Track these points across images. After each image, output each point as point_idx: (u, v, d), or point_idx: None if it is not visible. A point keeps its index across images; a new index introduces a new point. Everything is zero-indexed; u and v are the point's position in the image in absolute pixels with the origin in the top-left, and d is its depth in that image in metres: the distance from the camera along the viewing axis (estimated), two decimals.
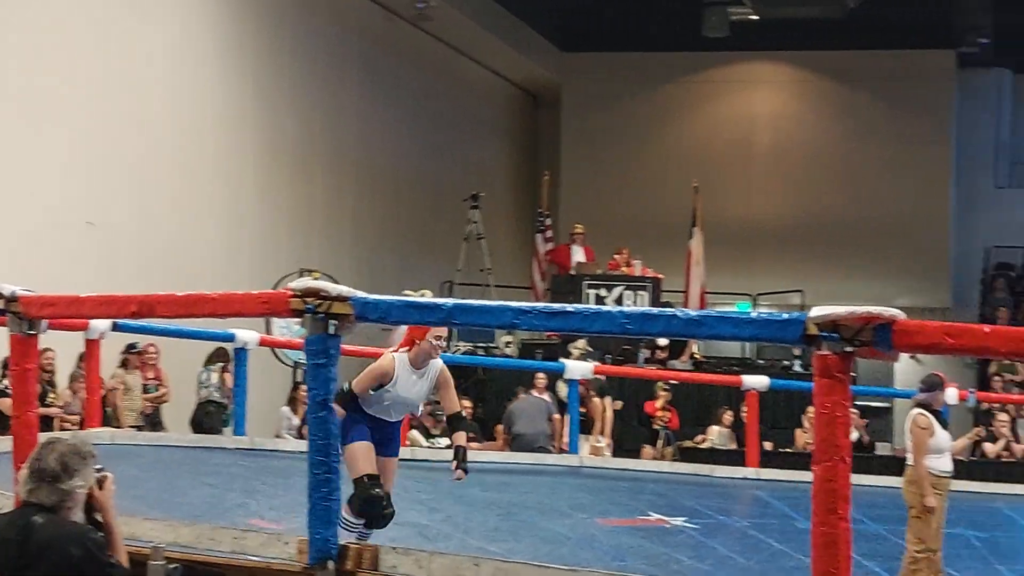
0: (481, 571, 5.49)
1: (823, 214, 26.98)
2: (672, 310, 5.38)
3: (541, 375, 16.97)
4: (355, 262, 21.64)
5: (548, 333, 19.30)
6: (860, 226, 26.71)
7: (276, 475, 11.68)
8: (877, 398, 19.01)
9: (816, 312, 4.79)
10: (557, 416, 16.32)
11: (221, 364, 15.82)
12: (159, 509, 8.38)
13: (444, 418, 10.85)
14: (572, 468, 14.25)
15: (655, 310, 5.51)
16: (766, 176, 27.56)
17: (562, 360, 15.81)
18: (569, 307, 5.44)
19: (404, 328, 7.97)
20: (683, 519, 11.25)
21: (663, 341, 19.58)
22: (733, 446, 17.60)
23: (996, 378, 21.44)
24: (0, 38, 15.27)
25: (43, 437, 5.28)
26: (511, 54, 26.67)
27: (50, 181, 15.84)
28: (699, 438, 18.29)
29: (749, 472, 14.68)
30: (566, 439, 15.47)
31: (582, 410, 16.05)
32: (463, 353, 20.38)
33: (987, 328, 4.81)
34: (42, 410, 12.27)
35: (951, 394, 14.27)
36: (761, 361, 20.89)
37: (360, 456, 7.95)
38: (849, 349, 4.76)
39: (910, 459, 9.65)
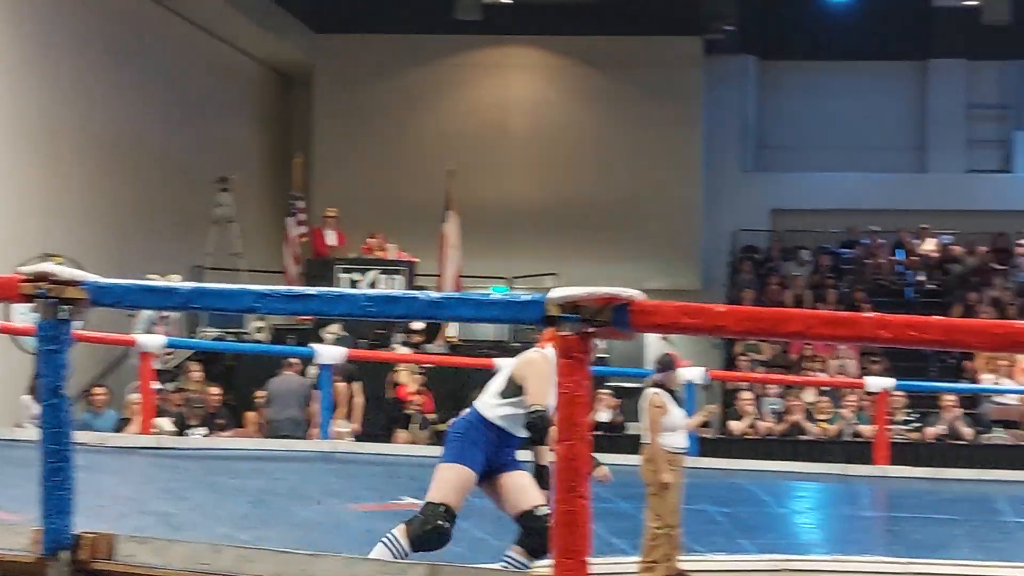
0: (221, 558, 5.38)
1: (577, 198, 27.32)
2: (414, 292, 5.36)
3: (295, 360, 16.82)
4: (104, 246, 21.08)
5: (300, 318, 19.13)
6: (613, 210, 27.13)
7: (16, 465, 11.29)
8: (629, 379, 19.35)
9: (556, 293, 4.81)
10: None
11: None
12: None
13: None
14: (325, 454, 14.16)
15: (398, 292, 5.49)
16: (521, 160, 27.78)
17: (312, 345, 15.67)
18: (311, 290, 5.37)
19: None
20: None
21: (418, 325, 19.59)
22: None
23: (741, 357, 22.06)
24: None
25: None
26: (261, 34, 26.30)
27: None
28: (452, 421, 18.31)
29: None
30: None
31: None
32: (212, 339, 20.08)
33: (721, 308, 4.90)
34: None
35: (691, 372, 14.65)
36: (516, 344, 21.07)
37: (457, 484, 7.34)
38: (589, 329, 4.79)
39: (646, 437, 9.89)
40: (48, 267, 5.54)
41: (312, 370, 16.32)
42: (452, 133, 27.69)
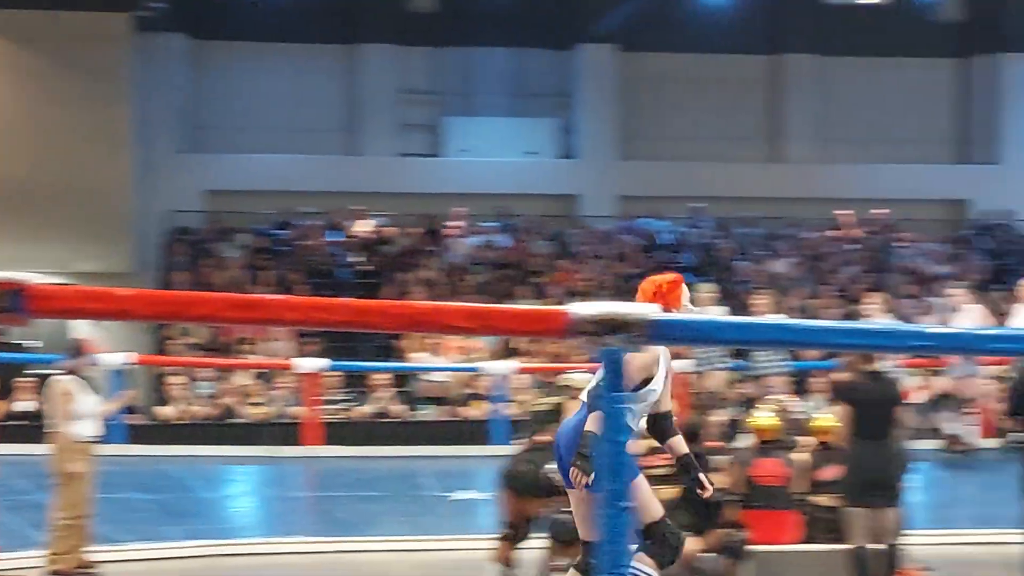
0: None
1: (7, 179, 26.09)
2: None
3: None
4: None
5: None
6: (42, 191, 26.08)
7: None
8: (52, 366, 18.62)
9: None
10: None
11: None
12: None
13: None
14: None
15: None
16: None
17: None
18: None
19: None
20: None
21: None
22: None
23: (174, 341, 21.72)
24: None
25: None
26: None
27: None
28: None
29: None
30: None
31: None
32: None
33: (126, 292, 4.72)
34: None
35: (112, 358, 14.28)
36: None
37: (649, 494, 6.49)
38: None
39: (53, 426, 9.58)
40: None
41: None
42: None
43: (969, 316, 16.87)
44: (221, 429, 18.41)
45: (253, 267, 25.34)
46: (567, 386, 10.11)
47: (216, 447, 16.13)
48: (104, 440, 9.97)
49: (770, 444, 11.56)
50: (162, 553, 9.90)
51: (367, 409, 19.78)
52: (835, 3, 30.30)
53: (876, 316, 15.69)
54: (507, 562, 10.05)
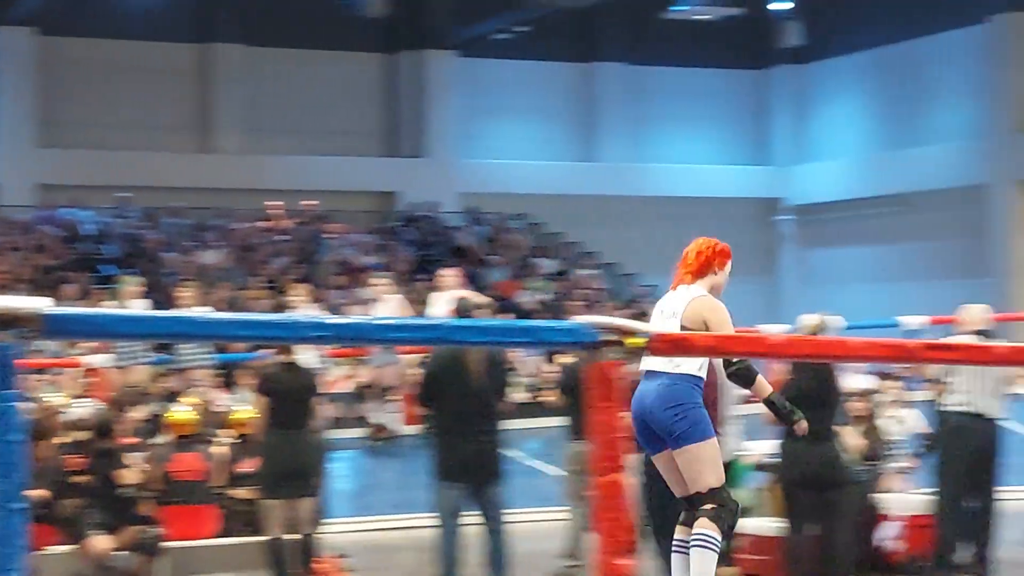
0: None
1: None
2: None
3: None
4: None
5: None
6: None
7: None
8: None
9: None
10: None
11: None
12: None
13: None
14: None
15: None
16: None
17: None
18: None
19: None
20: None
21: None
22: None
23: None
24: None
25: None
26: None
27: None
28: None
29: None
30: None
31: None
32: None
33: None
34: None
35: None
36: None
37: (719, 457, 6.71)
38: None
39: None
40: None
41: None
42: None
43: (388, 306, 17.17)
44: None
45: None
46: None
47: None
48: None
49: (188, 439, 11.32)
50: None
51: None
52: None
53: (301, 307, 15.68)
54: None
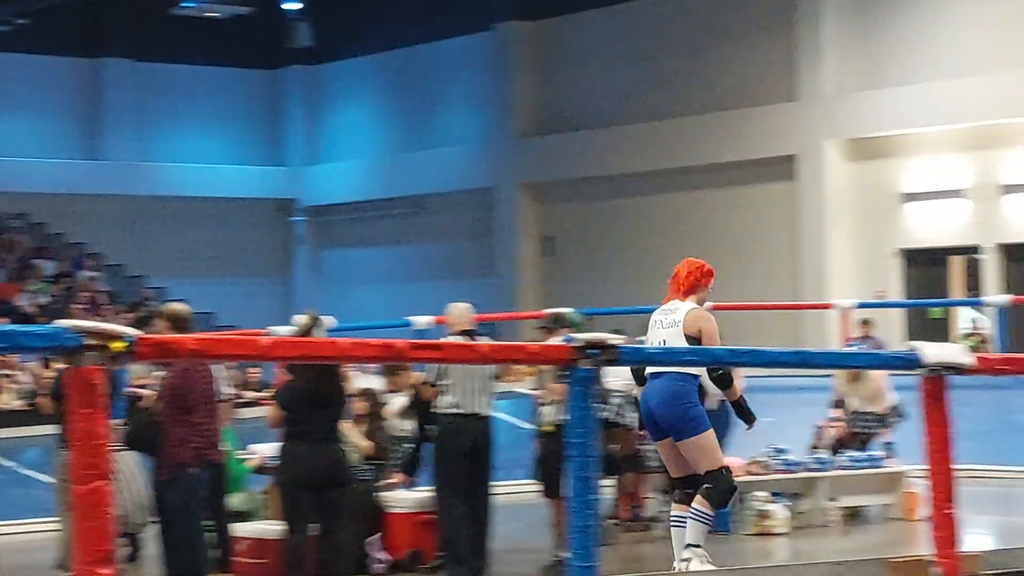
0: None
1: None
2: None
3: None
4: None
5: None
6: None
7: None
8: None
9: None
10: None
11: None
12: None
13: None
14: None
15: None
16: None
17: None
18: None
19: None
20: None
21: None
22: None
23: None
24: None
25: None
26: None
27: None
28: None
29: None
30: None
31: None
32: None
33: None
34: None
35: None
36: None
37: (716, 445, 8.05)
38: None
39: None
40: None
41: None
42: None
43: None
44: None
45: None
46: None
47: None
48: None
49: None
50: None
51: None
52: None
53: None
54: None
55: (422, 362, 9.25)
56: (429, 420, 10.41)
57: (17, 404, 17.25)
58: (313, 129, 35.97)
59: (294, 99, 35.97)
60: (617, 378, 11.46)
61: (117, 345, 5.21)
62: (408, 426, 11.09)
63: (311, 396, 9.40)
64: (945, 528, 7.00)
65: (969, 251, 25.91)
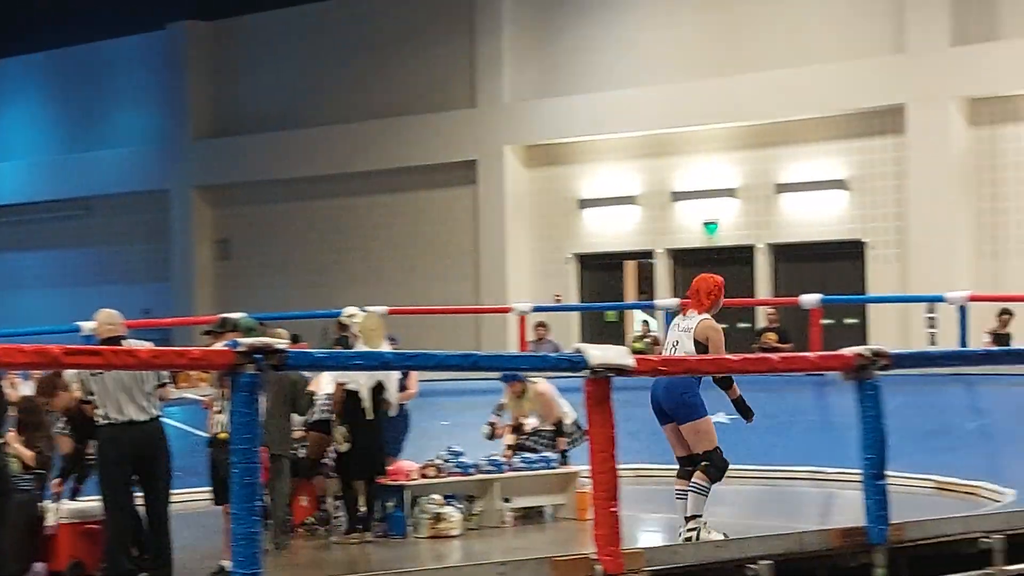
0: None
1: None
2: None
3: None
4: None
5: None
6: None
7: None
8: None
9: None
10: None
11: None
12: None
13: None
14: None
15: None
16: None
17: None
18: None
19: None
20: None
21: None
22: None
23: None
24: None
25: None
26: None
27: None
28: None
29: None
30: None
31: None
32: None
33: None
34: None
35: None
36: None
37: (713, 429, 9.59)
38: None
39: None
40: None
41: None
42: None
43: None
44: None
45: None
46: None
47: None
48: None
49: None
50: None
51: None
52: None
53: None
54: None
55: (77, 367, 8.92)
56: (91, 435, 10.10)
57: None
58: None
59: None
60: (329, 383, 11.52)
61: None
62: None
63: None
64: (608, 526, 7.15)
65: (642, 256, 26.71)
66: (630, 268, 27.44)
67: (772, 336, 20.77)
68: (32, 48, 33.06)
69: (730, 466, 9.93)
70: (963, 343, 17.95)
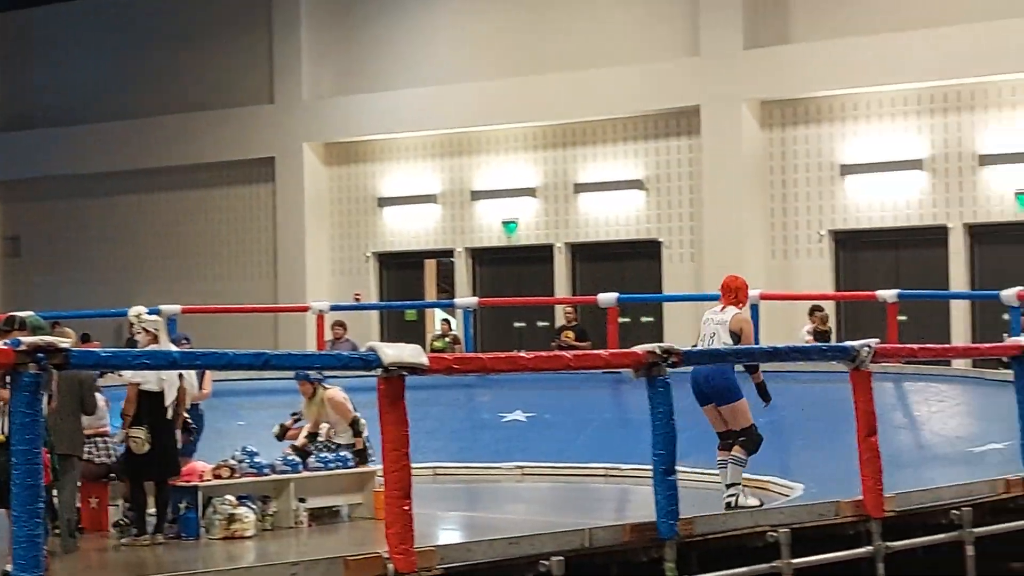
0: None
1: None
2: None
3: None
4: None
5: None
6: None
7: None
8: None
9: None
10: None
11: None
12: None
13: None
14: None
15: None
16: None
17: None
18: None
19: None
20: None
21: None
22: None
23: None
24: None
25: None
26: None
27: None
28: None
29: None
30: None
31: None
32: None
33: None
34: None
35: None
36: None
37: (748, 409, 11.02)
38: None
39: None
40: None
41: None
42: None
43: None
44: None
45: None
46: None
47: None
48: None
49: None
50: None
51: None
52: None
53: None
54: None
55: None
56: None
57: None
58: None
59: None
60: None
61: None
62: None
63: None
64: (401, 525, 7.12)
65: (442, 255, 26.74)
66: (430, 267, 27.45)
67: (570, 334, 20.97)
68: None
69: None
70: (755, 340, 18.29)
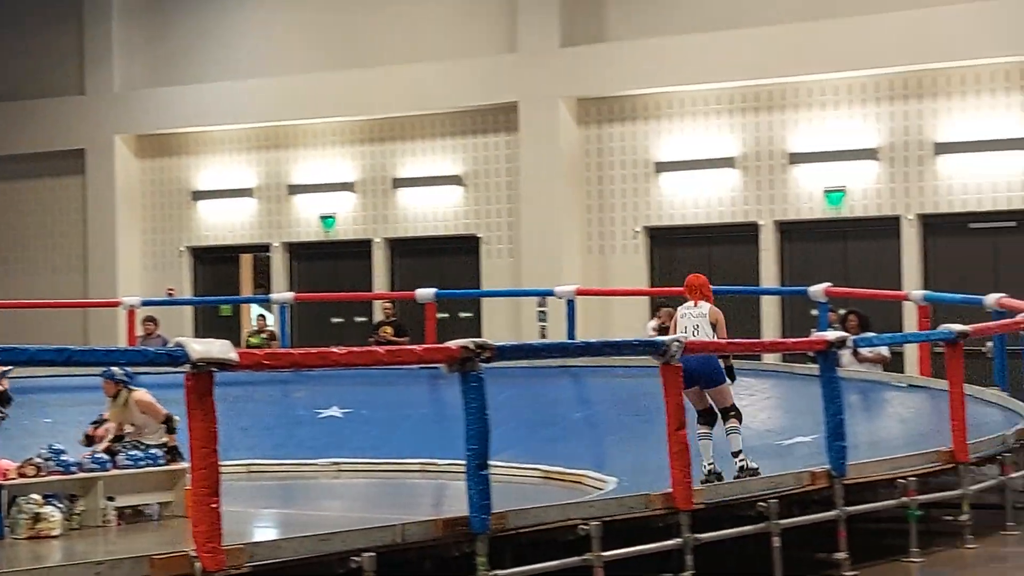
0: None
1: None
2: None
3: None
4: None
5: None
6: None
7: None
8: None
9: None
10: None
11: None
12: None
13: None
14: None
15: None
16: None
17: None
18: None
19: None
20: None
21: None
22: None
23: None
24: None
25: None
26: None
27: None
28: None
29: None
30: None
31: None
32: None
33: None
34: None
35: None
36: None
37: (731, 390, 12.00)
38: None
39: None
40: None
41: None
42: None
43: None
44: None
45: None
46: None
47: None
48: None
49: None
50: None
51: None
52: None
53: None
54: None
55: None
56: None
57: None
58: None
59: None
60: None
61: None
62: None
63: None
64: (208, 523, 7.01)
65: (258, 249, 26.44)
66: (246, 261, 27.14)
67: (388, 330, 20.91)
68: None
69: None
70: (571, 335, 18.47)
